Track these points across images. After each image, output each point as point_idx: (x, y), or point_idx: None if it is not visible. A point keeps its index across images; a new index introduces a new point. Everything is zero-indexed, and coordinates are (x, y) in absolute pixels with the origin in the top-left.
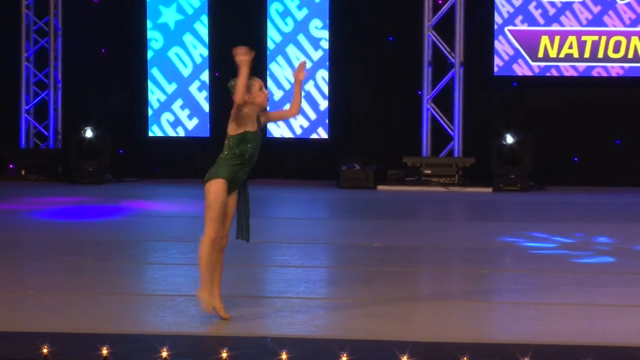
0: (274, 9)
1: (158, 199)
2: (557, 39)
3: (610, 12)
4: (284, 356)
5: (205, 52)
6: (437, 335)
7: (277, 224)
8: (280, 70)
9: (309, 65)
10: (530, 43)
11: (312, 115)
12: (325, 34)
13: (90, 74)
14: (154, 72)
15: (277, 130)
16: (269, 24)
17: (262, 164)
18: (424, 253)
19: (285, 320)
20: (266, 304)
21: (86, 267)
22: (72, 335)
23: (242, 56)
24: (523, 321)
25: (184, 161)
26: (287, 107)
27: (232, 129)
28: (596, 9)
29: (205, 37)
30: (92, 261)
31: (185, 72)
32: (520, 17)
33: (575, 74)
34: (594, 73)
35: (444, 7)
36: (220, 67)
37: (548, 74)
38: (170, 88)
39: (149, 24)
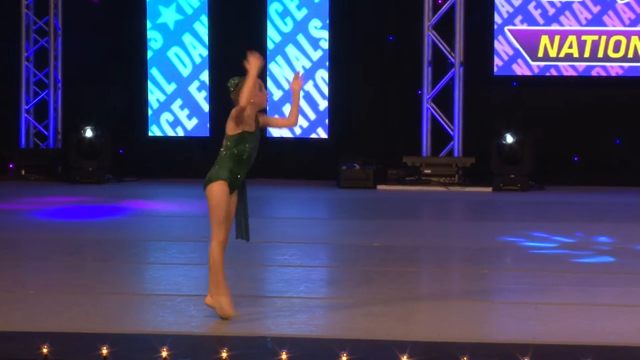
0: (273, 9)
1: (158, 199)
2: (557, 38)
3: (610, 12)
4: (284, 356)
5: (205, 52)
6: (437, 335)
7: (277, 223)
8: (279, 70)
9: (308, 65)
10: (530, 43)
11: (312, 115)
12: (324, 34)
13: (90, 74)
14: (154, 72)
15: (277, 130)
16: (268, 24)
17: (262, 164)
18: (424, 253)
19: (285, 319)
20: (266, 304)
21: (86, 267)
22: (72, 335)
23: (257, 60)
24: (523, 321)
25: (184, 161)
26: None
27: (231, 129)
28: (596, 9)
29: (205, 37)
30: (92, 261)
31: (185, 72)
32: (519, 17)
33: (574, 73)
34: (594, 73)
35: (443, 7)
36: (220, 67)
37: (548, 74)
38: (170, 88)
39: (148, 24)
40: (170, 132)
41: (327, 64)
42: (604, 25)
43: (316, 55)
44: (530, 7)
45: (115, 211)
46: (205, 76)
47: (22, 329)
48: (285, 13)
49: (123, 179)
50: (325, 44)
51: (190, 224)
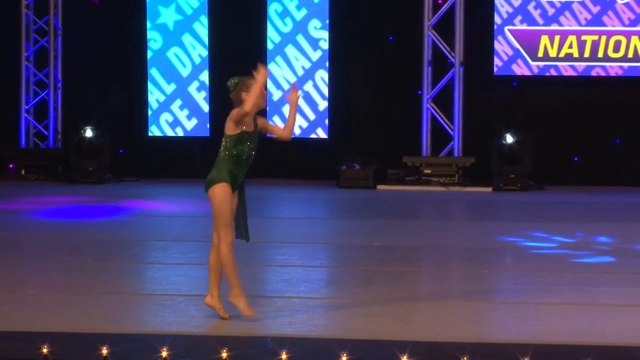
0: (273, 10)
1: (158, 199)
2: (557, 38)
3: (610, 12)
4: (284, 356)
5: (204, 53)
6: (437, 335)
7: (277, 223)
8: (279, 71)
9: (307, 65)
10: (529, 43)
11: (312, 116)
12: (324, 34)
13: (90, 74)
14: (153, 72)
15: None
16: (268, 24)
17: (262, 164)
18: (424, 253)
19: (285, 319)
20: (266, 304)
21: (86, 267)
22: (72, 335)
23: (265, 71)
24: (523, 321)
25: (184, 161)
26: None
27: (230, 129)
28: (595, 9)
29: (205, 38)
30: (92, 261)
31: (184, 72)
32: (519, 17)
33: (574, 73)
34: (594, 73)
35: (443, 7)
36: (220, 68)
37: (548, 74)
38: (170, 88)
39: (148, 24)
40: (169, 132)
41: (327, 64)
42: (604, 25)
43: (316, 55)
44: (530, 7)
45: (115, 211)
46: (204, 76)
47: (22, 329)
48: (284, 13)
49: (123, 179)
50: (325, 44)
51: (190, 224)
